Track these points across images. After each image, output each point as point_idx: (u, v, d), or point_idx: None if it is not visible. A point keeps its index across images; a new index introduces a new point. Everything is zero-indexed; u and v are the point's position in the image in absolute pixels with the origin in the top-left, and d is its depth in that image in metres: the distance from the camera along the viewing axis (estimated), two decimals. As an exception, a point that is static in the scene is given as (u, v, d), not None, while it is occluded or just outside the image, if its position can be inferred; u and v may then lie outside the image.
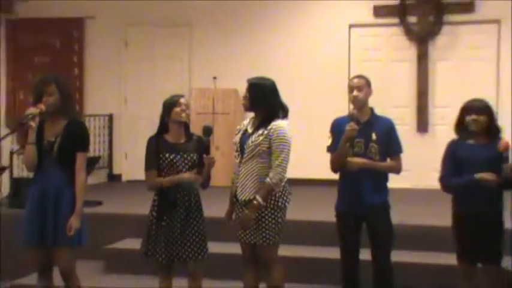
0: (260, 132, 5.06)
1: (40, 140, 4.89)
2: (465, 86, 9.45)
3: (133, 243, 6.81)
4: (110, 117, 10.67)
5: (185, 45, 10.75)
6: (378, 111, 5.47)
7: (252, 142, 5.06)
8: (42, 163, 4.92)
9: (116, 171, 10.77)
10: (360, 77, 5.42)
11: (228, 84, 10.09)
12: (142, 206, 7.62)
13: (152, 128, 5.44)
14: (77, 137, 4.99)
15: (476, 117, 5.04)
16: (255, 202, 4.94)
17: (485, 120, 5.05)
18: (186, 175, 5.14)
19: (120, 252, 6.79)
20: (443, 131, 9.50)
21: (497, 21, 9.87)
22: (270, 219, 5.06)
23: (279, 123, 5.06)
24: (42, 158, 4.91)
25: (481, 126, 5.05)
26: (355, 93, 5.30)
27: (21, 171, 9.16)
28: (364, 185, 5.24)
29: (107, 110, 10.48)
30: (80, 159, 4.99)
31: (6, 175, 8.88)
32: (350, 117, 5.23)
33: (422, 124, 9.96)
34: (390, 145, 5.33)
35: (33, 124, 4.78)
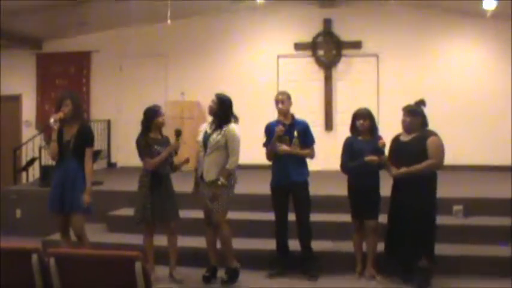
0: (218, 132, 5.03)
1: (60, 138, 4.86)
2: (356, 98, 9.47)
3: (126, 211, 6.72)
4: (109, 122, 10.52)
5: (162, 70, 10.56)
6: (299, 116, 5.47)
7: (213, 140, 5.02)
8: (62, 155, 4.88)
9: (113, 160, 10.59)
10: (282, 93, 5.46)
11: (192, 98, 10.00)
12: (131, 184, 7.40)
13: (138, 129, 5.31)
14: (86, 137, 4.96)
15: (362, 121, 5.15)
16: (219, 182, 4.92)
17: (368, 123, 5.15)
18: (170, 148, 5.23)
19: (117, 217, 6.68)
20: (343, 129, 9.42)
21: (376, 55, 9.99)
22: (224, 195, 5.01)
23: (232, 127, 5.05)
24: (62, 151, 4.87)
25: (366, 127, 5.15)
26: (280, 106, 5.29)
27: (47, 160, 9.02)
28: (289, 167, 5.21)
29: (107, 116, 10.35)
30: (88, 153, 4.95)
31: (36, 164, 8.83)
32: (278, 122, 5.25)
33: (329, 124, 10.00)
34: (307, 139, 5.32)
35: (55, 127, 4.78)
